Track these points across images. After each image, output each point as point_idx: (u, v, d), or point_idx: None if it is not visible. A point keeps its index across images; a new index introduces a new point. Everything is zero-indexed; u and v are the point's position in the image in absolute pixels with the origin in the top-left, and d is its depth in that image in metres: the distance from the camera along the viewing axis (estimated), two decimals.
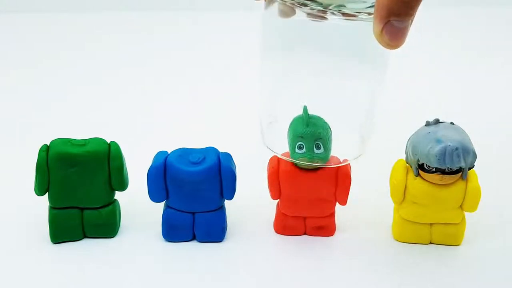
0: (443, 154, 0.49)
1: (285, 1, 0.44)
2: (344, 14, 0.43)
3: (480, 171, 0.52)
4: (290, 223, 0.55)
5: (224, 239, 0.55)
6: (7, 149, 0.70)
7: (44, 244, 0.54)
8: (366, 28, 0.41)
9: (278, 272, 0.52)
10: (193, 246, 0.54)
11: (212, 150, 0.54)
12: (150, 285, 0.50)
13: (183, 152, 0.53)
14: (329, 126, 0.50)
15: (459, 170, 0.50)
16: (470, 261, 0.53)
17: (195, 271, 0.52)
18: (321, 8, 0.42)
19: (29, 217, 0.57)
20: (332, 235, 0.55)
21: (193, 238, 0.55)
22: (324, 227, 0.55)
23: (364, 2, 0.43)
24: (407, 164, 0.53)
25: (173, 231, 0.54)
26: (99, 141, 0.53)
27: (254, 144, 0.55)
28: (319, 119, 0.50)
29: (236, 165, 0.54)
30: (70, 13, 1.12)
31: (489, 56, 0.98)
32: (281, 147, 0.52)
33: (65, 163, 0.52)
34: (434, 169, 0.50)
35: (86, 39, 1.05)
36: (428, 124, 0.52)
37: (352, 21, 0.43)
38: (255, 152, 0.57)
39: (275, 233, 0.56)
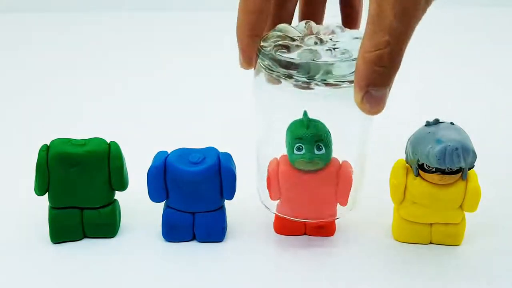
0: (443, 154, 0.49)
1: (271, 73, 0.47)
2: (327, 85, 0.46)
3: (480, 171, 0.52)
4: (290, 223, 0.55)
5: (224, 239, 0.55)
6: (7, 149, 0.69)
7: (44, 244, 0.54)
8: (350, 94, 0.44)
9: (278, 272, 0.52)
10: (193, 246, 0.54)
11: (212, 150, 0.54)
12: (150, 285, 0.50)
13: (183, 152, 0.53)
14: (328, 130, 0.50)
15: (459, 170, 0.50)
16: (470, 261, 0.53)
17: (195, 271, 0.52)
18: (306, 80, 0.46)
19: (29, 217, 0.57)
20: (332, 235, 0.55)
21: (193, 238, 0.55)
22: (324, 227, 0.55)
23: (345, 72, 0.46)
24: (407, 164, 0.53)
25: (173, 231, 0.54)
26: (99, 141, 0.53)
27: (254, 144, 0.55)
28: (319, 122, 0.50)
29: (236, 165, 0.54)
30: (71, 13, 1.12)
31: (489, 56, 0.98)
32: (273, 203, 0.54)
33: (65, 163, 0.52)
34: (434, 169, 0.50)
35: (87, 39, 1.05)
36: (428, 124, 0.52)
37: (336, 89, 0.46)
38: (255, 152, 0.57)
39: (275, 233, 0.56)
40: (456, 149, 0.49)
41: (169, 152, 0.54)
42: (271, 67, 0.47)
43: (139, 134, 0.72)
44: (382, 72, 0.42)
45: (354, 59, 0.44)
